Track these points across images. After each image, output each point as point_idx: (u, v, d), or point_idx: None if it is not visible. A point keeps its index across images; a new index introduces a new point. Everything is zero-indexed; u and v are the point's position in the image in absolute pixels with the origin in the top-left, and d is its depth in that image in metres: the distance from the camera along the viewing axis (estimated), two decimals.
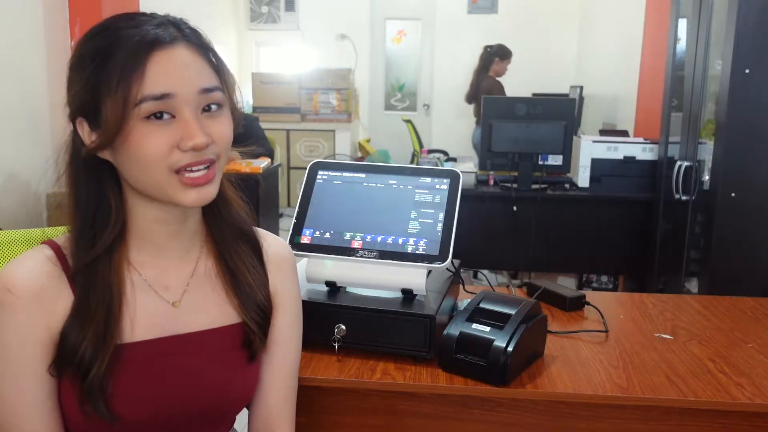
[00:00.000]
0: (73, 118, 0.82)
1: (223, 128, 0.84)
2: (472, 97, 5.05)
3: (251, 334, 0.93)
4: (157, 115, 0.78)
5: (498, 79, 4.70)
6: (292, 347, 1.02)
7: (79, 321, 0.81)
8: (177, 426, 0.88)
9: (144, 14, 0.83)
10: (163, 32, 0.79)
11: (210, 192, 0.83)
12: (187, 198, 0.82)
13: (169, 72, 0.78)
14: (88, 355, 0.79)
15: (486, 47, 4.81)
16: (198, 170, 0.81)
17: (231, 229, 0.95)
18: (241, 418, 1.11)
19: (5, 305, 0.79)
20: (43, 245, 0.84)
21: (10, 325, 0.79)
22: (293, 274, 1.03)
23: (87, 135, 0.81)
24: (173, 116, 0.79)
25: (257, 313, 0.93)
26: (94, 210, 0.84)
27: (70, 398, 0.82)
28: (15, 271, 0.80)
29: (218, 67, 0.84)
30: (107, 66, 0.76)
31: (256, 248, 0.97)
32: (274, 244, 1.01)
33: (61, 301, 0.81)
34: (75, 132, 0.83)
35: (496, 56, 4.68)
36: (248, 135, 3.84)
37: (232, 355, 0.92)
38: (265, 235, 1.01)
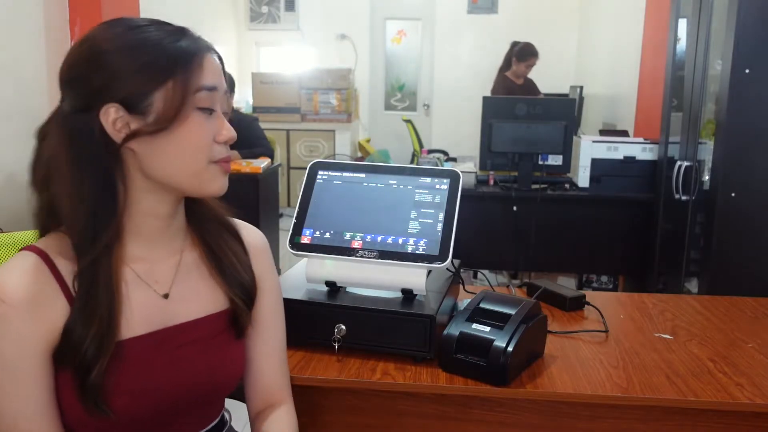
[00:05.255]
0: (99, 104, 0.82)
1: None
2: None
3: (237, 309, 0.97)
4: (205, 108, 0.86)
5: (513, 78, 4.64)
6: (279, 325, 1.08)
7: (83, 318, 0.80)
8: (171, 413, 0.90)
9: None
10: (205, 41, 0.89)
11: (228, 183, 0.92)
12: (217, 186, 0.90)
13: (215, 71, 0.88)
14: (90, 353, 0.80)
15: (512, 44, 4.73)
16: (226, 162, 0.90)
17: (213, 221, 0.99)
18: (242, 414, 1.12)
19: (0, 316, 0.78)
20: (26, 251, 0.84)
21: (6, 336, 0.79)
22: (271, 261, 1.08)
23: (119, 122, 0.82)
24: (213, 111, 0.88)
25: (242, 290, 0.98)
26: (100, 203, 0.83)
27: (68, 393, 0.82)
28: (6, 281, 0.79)
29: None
30: (168, 55, 0.83)
31: (237, 237, 1.02)
32: (251, 233, 1.06)
33: (55, 306, 0.81)
34: (85, 119, 0.82)
35: (513, 56, 4.62)
36: (252, 137, 3.83)
37: (222, 339, 0.96)
38: (241, 226, 1.05)
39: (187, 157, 0.86)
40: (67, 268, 0.83)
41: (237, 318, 0.97)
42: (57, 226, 0.86)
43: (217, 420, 1.00)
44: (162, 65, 0.82)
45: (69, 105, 0.84)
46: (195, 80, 0.84)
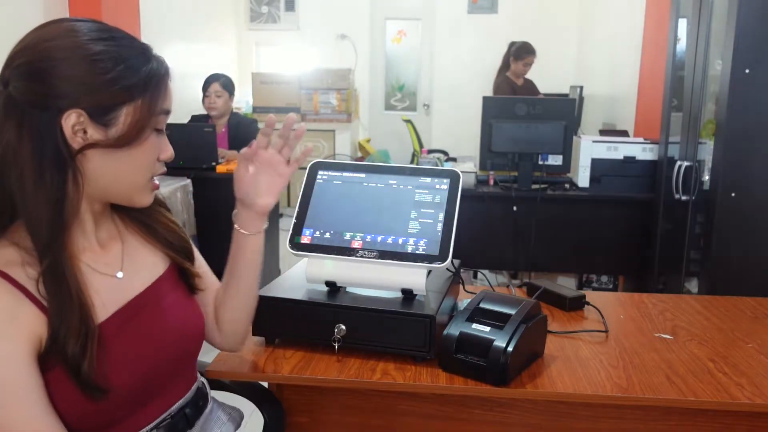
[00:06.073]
0: (64, 107, 0.82)
1: None
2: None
3: (184, 267, 1.04)
4: (159, 129, 0.91)
5: (513, 78, 4.64)
6: (206, 263, 1.15)
7: (61, 316, 0.81)
8: (156, 380, 0.94)
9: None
10: (166, 63, 0.91)
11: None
12: (148, 200, 0.95)
13: (171, 94, 0.92)
14: (79, 346, 0.81)
15: (509, 44, 4.73)
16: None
17: None
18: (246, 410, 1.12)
19: None
20: None
21: None
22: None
23: (77, 126, 0.83)
24: (161, 131, 0.93)
25: (182, 249, 1.05)
26: (61, 204, 0.83)
27: (61, 389, 0.82)
28: None
29: None
30: (142, 74, 0.86)
31: (163, 205, 1.07)
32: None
33: (26, 314, 0.81)
34: (48, 119, 0.81)
35: (510, 56, 4.62)
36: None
37: (176, 295, 1.02)
38: None
39: (135, 173, 0.90)
40: (23, 275, 0.82)
41: (186, 275, 1.04)
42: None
43: (195, 387, 1.05)
44: (135, 83, 0.85)
45: (21, 95, 0.81)
46: (160, 103, 0.89)
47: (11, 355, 0.79)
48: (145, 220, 1.02)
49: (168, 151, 0.94)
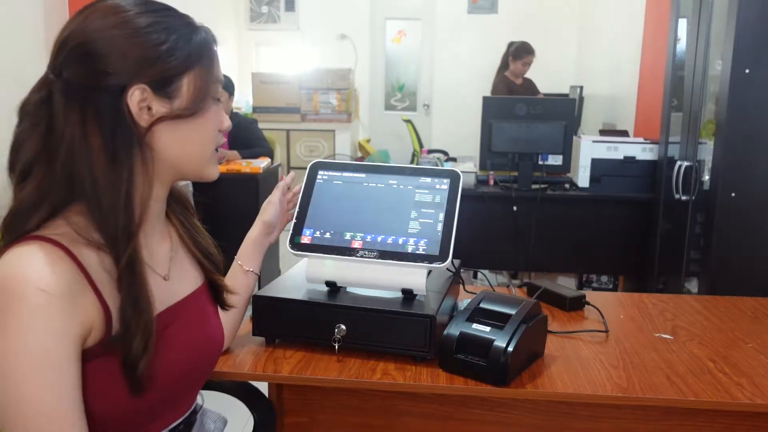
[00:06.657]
0: (128, 83, 0.80)
1: None
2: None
3: (217, 281, 1.04)
4: (216, 98, 0.90)
5: (512, 78, 4.64)
6: None
7: (134, 309, 0.79)
8: (179, 388, 0.93)
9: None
10: (212, 32, 0.91)
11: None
12: (216, 171, 0.94)
13: (220, 64, 0.91)
14: (143, 341, 0.79)
15: (508, 44, 4.74)
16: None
17: (177, 200, 1.01)
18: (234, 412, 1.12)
19: (41, 307, 0.73)
20: (39, 241, 0.77)
21: (47, 328, 0.73)
22: None
23: (144, 104, 0.81)
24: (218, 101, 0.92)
25: (218, 262, 1.04)
26: (133, 188, 0.82)
27: (102, 380, 0.79)
28: (42, 270, 0.74)
29: None
30: (196, 42, 0.85)
31: (189, 207, 1.04)
32: None
33: (85, 297, 0.78)
34: (111, 98, 0.79)
35: (509, 56, 4.63)
36: (252, 138, 3.83)
37: (208, 309, 1.02)
38: None
39: (202, 144, 0.90)
40: (87, 259, 0.79)
41: (218, 291, 1.04)
42: (52, 213, 0.81)
43: (194, 404, 1.02)
44: (190, 52, 0.85)
45: (79, 79, 0.79)
46: (215, 70, 0.89)
47: (60, 330, 0.74)
48: (185, 222, 1.00)
49: (226, 121, 0.93)
